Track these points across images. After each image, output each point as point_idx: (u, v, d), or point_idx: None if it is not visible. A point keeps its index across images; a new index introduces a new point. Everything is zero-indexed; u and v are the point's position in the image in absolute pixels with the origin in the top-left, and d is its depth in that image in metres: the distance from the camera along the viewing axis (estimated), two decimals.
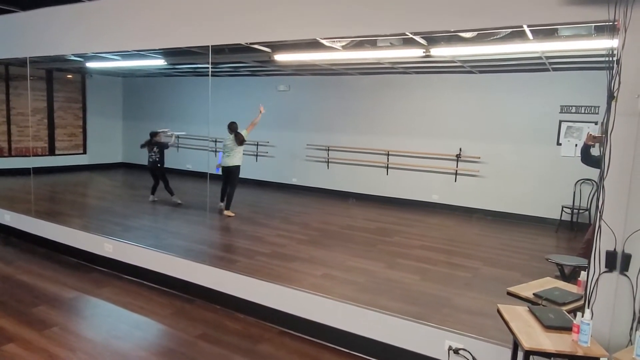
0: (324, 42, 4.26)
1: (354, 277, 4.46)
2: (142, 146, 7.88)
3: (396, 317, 3.03)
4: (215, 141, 9.86)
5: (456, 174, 7.88)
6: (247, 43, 3.86)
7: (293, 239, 5.79)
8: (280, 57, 6.09)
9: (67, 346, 3.07)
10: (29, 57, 5.29)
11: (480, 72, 7.39)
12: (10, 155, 9.75)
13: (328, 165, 9.11)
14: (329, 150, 9.05)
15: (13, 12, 5.23)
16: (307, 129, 9.24)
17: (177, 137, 8.01)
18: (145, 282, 4.29)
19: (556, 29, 3.76)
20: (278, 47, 5.07)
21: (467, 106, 7.73)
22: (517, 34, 3.78)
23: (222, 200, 7.06)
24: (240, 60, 7.32)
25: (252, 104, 9.80)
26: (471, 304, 3.90)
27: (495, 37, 3.96)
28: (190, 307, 3.83)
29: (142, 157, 11.67)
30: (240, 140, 6.89)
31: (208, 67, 4.19)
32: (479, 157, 7.62)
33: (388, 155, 8.47)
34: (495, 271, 4.87)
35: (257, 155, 9.56)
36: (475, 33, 3.81)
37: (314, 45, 4.39)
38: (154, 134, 7.83)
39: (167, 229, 6.10)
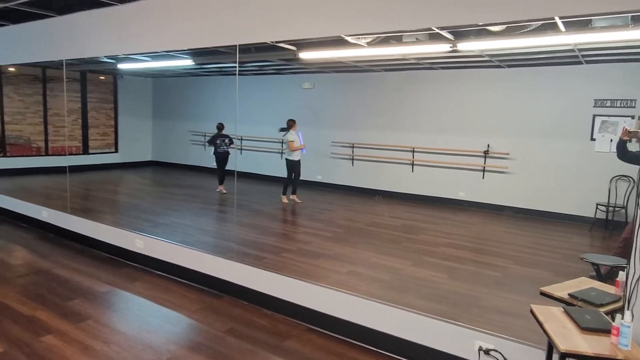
0: (349, 39, 4.25)
1: (379, 275, 4.44)
2: (210, 141, 8.35)
3: (424, 316, 3.01)
4: (241, 139, 9.99)
5: (484, 170, 7.73)
6: (272, 41, 3.89)
7: (318, 236, 5.81)
8: (305, 55, 6.10)
9: (101, 338, 3.16)
10: (65, 60, 5.47)
11: (509, 66, 7.23)
12: (47, 155, 10.11)
13: (353, 163, 9.09)
14: (353, 147, 9.03)
15: (50, 17, 5.41)
16: (332, 126, 9.24)
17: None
18: (174, 278, 4.39)
19: (590, 20, 3.64)
20: (303, 45, 5.08)
21: (495, 101, 7.57)
22: (548, 26, 3.67)
23: (284, 193, 7.65)
24: (266, 59, 7.37)
25: (277, 101, 9.91)
26: (501, 304, 3.83)
27: (525, 30, 3.85)
28: (219, 302, 3.89)
29: (171, 156, 11.95)
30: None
31: (234, 67, 4.23)
32: (508, 154, 7.46)
33: (413, 152, 8.38)
34: (526, 270, 4.77)
35: (282, 152, 9.61)
36: (504, 26, 3.72)
37: (338, 42, 4.37)
38: (221, 127, 8.23)
39: (194, 225, 6.21)
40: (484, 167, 7.71)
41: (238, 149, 9.33)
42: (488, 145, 7.62)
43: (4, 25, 6.10)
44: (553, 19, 2.91)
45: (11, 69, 9.34)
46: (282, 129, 7.58)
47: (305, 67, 8.62)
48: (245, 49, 3.93)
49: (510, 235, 6.40)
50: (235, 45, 3.85)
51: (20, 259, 4.92)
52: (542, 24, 3.51)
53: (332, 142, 9.19)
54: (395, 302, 3.22)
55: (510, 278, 4.53)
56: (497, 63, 7.04)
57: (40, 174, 9.35)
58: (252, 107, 10.05)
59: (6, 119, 9.57)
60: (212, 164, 8.63)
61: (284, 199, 7.68)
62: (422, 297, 3.86)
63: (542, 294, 2.64)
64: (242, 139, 9.96)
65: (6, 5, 4.91)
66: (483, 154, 7.68)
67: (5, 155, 9.65)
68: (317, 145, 9.32)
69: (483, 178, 7.75)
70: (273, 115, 9.85)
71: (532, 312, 2.33)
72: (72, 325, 3.32)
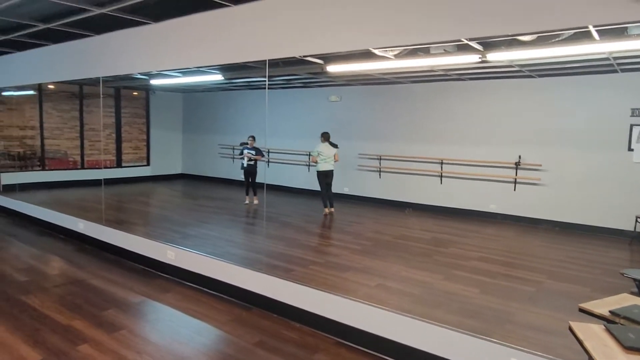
0: (376, 51, 4.26)
1: (409, 289, 4.38)
2: (241, 153, 8.49)
3: (456, 331, 2.94)
4: (269, 152, 10.10)
5: (515, 182, 7.57)
6: (300, 56, 3.95)
7: (346, 248, 5.79)
8: (333, 68, 6.15)
9: (135, 348, 3.23)
10: (102, 77, 5.69)
11: (540, 75, 7.09)
12: (82, 168, 10.48)
13: (380, 175, 9.05)
14: (380, 159, 9.00)
15: (89, 36, 5.66)
16: (359, 138, 9.25)
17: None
18: (204, 289, 4.44)
19: (625, 28, 3.55)
20: (330, 58, 5.14)
21: (526, 112, 7.43)
22: (581, 35, 3.60)
23: (325, 206, 7.75)
24: (294, 73, 7.47)
25: (304, 114, 10.00)
26: (536, 320, 3.71)
27: (557, 39, 3.79)
28: (248, 314, 3.92)
29: (200, 168, 12.18)
30: (334, 146, 7.78)
31: (263, 81, 4.31)
32: (540, 165, 7.28)
33: (442, 163, 8.29)
34: (561, 285, 4.62)
35: (309, 165, 9.67)
36: (535, 36, 3.67)
37: (366, 55, 4.40)
38: (250, 138, 8.39)
39: (223, 237, 6.29)
40: (516, 179, 7.55)
41: (266, 161, 9.43)
42: (519, 157, 7.46)
43: (45, 45, 6.41)
44: (587, 27, 2.85)
45: (51, 86, 9.76)
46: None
47: (332, 80, 8.68)
48: (274, 63, 4.00)
49: (544, 249, 6.22)
50: (265, 60, 3.92)
51: (58, 269, 5.09)
52: (575, 33, 3.44)
53: (359, 154, 9.19)
54: (426, 316, 3.17)
55: (545, 293, 4.39)
56: (528, 73, 6.92)
57: (76, 187, 9.69)
58: (279, 120, 10.17)
59: (45, 134, 10.00)
60: (240, 176, 8.79)
61: (326, 210, 7.78)
62: (453, 312, 3.79)
63: (581, 310, 2.55)
64: (269, 152, 10.08)
65: (48, 26, 5.16)
66: (514, 166, 7.52)
67: (44, 169, 10.06)
68: (344, 158, 9.33)
69: (515, 190, 7.58)
70: (300, 128, 9.96)
71: (570, 329, 2.25)
72: (107, 335, 3.40)
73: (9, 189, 8.56)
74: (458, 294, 4.25)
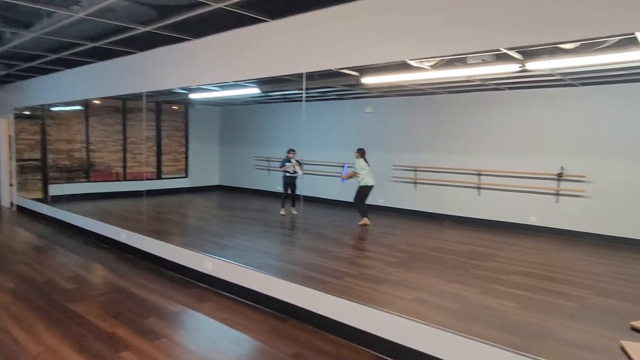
0: (412, 62, 4.26)
1: (446, 302, 4.30)
2: (282, 165, 8.61)
3: (496, 347, 2.86)
4: (303, 163, 10.17)
5: (557, 194, 7.32)
6: (337, 68, 3.99)
7: (381, 260, 5.74)
8: (368, 80, 6.18)
9: (174, 357, 3.30)
10: (145, 92, 5.93)
11: (583, 84, 6.88)
12: (125, 180, 10.88)
13: (415, 186, 8.95)
14: (416, 170, 8.91)
15: (132, 53, 5.92)
16: (394, 149, 9.20)
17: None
18: (241, 299, 4.51)
19: None
20: (366, 70, 5.16)
21: (568, 121, 7.21)
22: (627, 41, 3.48)
23: (366, 215, 7.77)
24: (329, 85, 7.54)
25: (339, 126, 10.05)
26: (579, 337, 3.56)
27: (601, 47, 3.68)
28: (284, 325, 3.94)
29: (237, 180, 12.41)
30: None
31: (299, 93, 4.37)
32: (584, 176, 7.02)
33: (479, 175, 8.12)
34: (607, 302, 4.41)
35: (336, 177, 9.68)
36: (577, 43, 3.57)
37: (402, 66, 4.40)
38: (291, 151, 8.54)
39: (259, 248, 6.37)
40: (558, 191, 7.31)
41: (301, 175, 9.52)
42: (561, 168, 7.23)
43: (92, 62, 6.74)
44: (633, 33, 2.76)
45: (96, 102, 10.23)
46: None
47: (367, 91, 8.71)
48: (310, 76, 4.06)
49: (587, 264, 5.98)
50: (302, 73, 3.99)
51: (102, 277, 5.28)
52: (621, 39, 3.33)
53: (394, 165, 9.13)
54: (463, 331, 3.10)
55: (589, 309, 4.21)
56: (570, 81, 6.73)
57: (119, 198, 10.06)
58: (314, 132, 10.26)
59: (91, 147, 10.46)
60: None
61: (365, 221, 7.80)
62: (492, 327, 3.69)
63: (633, 329, 2.43)
64: (304, 163, 10.16)
65: (95, 44, 5.43)
66: (556, 177, 7.29)
67: (89, 181, 10.50)
68: (378, 169, 9.29)
69: (557, 202, 7.33)
70: (334, 140, 10.00)
71: (622, 348, 2.15)
72: (148, 343, 3.50)
73: (57, 200, 8.98)
74: (496, 309, 4.13)
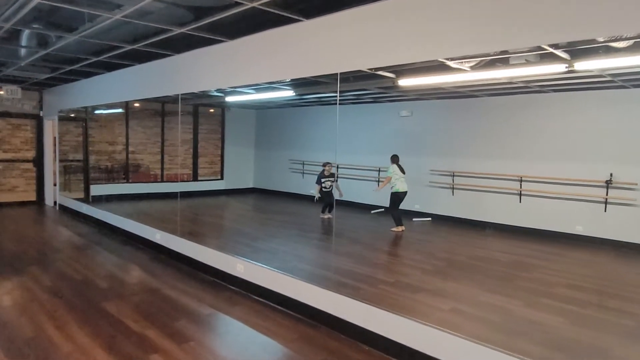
0: (451, 63, 4.07)
1: (486, 314, 4.06)
2: (318, 181, 8.50)
3: None
4: (338, 167, 10.06)
5: (606, 202, 6.88)
6: (372, 68, 3.86)
7: (417, 268, 5.54)
8: (405, 82, 6.00)
9: None
10: (181, 94, 5.98)
11: (635, 86, 6.45)
12: (162, 181, 11.09)
13: (453, 192, 8.66)
14: (454, 175, 8.62)
15: (169, 55, 5.99)
16: (431, 154, 8.94)
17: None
18: (271, 304, 4.42)
19: None
20: (402, 72, 5.00)
21: (618, 126, 6.77)
22: None
23: (401, 224, 7.51)
24: (364, 87, 7.40)
25: (374, 129, 9.88)
26: (638, 359, 3.27)
27: None
28: (314, 333, 3.82)
29: (271, 183, 12.43)
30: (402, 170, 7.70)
31: (333, 96, 4.27)
32: (636, 184, 6.57)
33: (521, 181, 7.76)
34: None
35: (378, 181, 9.50)
36: (631, 41, 3.30)
37: (440, 67, 4.21)
38: (327, 164, 8.49)
39: (292, 252, 6.29)
40: (606, 199, 6.87)
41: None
42: (611, 175, 6.80)
43: (131, 65, 6.88)
44: None
45: (136, 105, 10.48)
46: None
47: (403, 94, 8.51)
48: (345, 78, 3.95)
49: None
50: (336, 74, 3.88)
51: (135, 277, 5.33)
52: None
53: (431, 170, 8.87)
54: (505, 346, 2.88)
55: None
56: (621, 83, 6.32)
57: (155, 199, 10.25)
58: (349, 135, 10.13)
59: (130, 149, 10.72)
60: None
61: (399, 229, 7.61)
62: (537, 343, 3.44)
63: None
64: (338, 167, 10.04)
65: (134, 46, 5.52)
66: (604, 184, 6.86)
67: (128, 182, 10.76)
68: (414, 174, 9.05)
69: (605, 211, 6.89)
70: (370, 143, 9.84)
71: None
72: (177, 346, 3.45)
73: (97, 200, 9.23)
74: (542, 324, 3.87)
